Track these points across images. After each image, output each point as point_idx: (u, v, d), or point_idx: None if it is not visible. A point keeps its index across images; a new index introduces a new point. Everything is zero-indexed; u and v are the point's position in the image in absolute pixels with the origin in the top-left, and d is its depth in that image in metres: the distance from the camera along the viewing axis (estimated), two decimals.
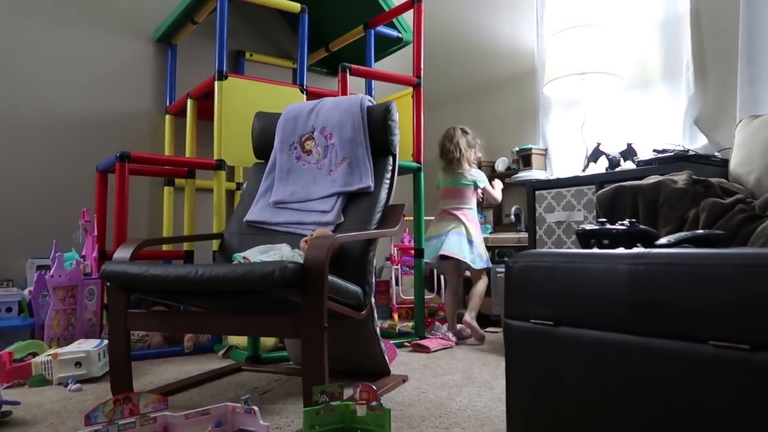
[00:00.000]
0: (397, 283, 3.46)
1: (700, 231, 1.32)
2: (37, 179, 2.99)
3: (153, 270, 1.56)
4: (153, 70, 3.39)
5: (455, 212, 2.94)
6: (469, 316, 2.77)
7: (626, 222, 1.25)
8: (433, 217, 3.36)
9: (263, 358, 2.33)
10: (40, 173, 3.00)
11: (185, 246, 2.78)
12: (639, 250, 1.03)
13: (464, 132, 3.02)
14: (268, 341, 2.46)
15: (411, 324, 2.99)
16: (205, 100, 2.87)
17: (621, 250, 1.06)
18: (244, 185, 2.40)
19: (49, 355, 2.02)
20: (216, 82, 2.57)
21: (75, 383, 1.93)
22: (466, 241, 2.87)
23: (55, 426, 1.54)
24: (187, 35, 3.29)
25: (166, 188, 3.21)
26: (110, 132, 3.20)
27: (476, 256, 2.86)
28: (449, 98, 4.17)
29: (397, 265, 3.50)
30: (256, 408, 1.30)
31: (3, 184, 2.91)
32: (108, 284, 1.80)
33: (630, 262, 0.99)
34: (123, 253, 1.77)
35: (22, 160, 2.96)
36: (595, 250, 1.15)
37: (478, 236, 2.94)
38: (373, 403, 1.30)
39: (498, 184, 3.17)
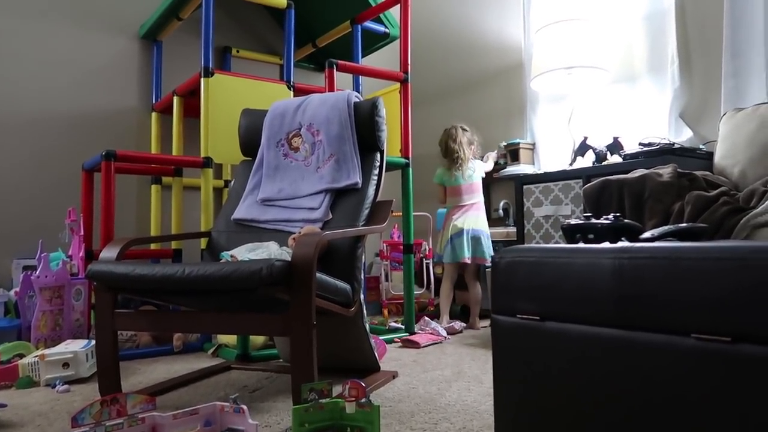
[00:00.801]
0: (386, 279, 3.47)
1: (684, 224, 1.33)
2: (22, 178, 2.96)
3: (139, 269, 1.55)
4: (138, 67, 3.36)
5: (473, 205, 3.07)
6: (478, 323, 3.07)
7: (611, 216, 1.26)
8: (422, 213, 3.39)
9: (253, 356, 2.33)
10: (25, 172, 2.97)
11: (173, 245, 2.77)
12: (623, 244, 1.04)
13: (464, 130, 3.15)
14: (257, 339, 2.45)
15: (401, 320, 3.00)
16: (191, 98, 2.85)
17: (605, 245, 1.07)
18: (232, 183, 2.39)
19: (36, 356, 2.01)
20: (202, 79, 2.55)
21: (63, 384, 1.92)
22: (484, 236, 3.04)
23: (43, 428, 1.53)
24: (172, 32, 3.26)
25: (153, 186, 3.18)
26: (96, 130, 3.17)
27: (491, 249, 3.06)
28: (437, 93, 4.18)
29: (386, 261, 3.51)
30: (244, 407, 1.30)
31: None
32: (95, 284, 1.79)
33: (614, 256, 1.00)
34: (109, 252, 1.75)
35: (6, 159, 2.92)
36: (580, 245, 1.16)
37: (487, 226, 3.11)
38: (362, 400, 1.30)
39: (491, 159, 3.33)
